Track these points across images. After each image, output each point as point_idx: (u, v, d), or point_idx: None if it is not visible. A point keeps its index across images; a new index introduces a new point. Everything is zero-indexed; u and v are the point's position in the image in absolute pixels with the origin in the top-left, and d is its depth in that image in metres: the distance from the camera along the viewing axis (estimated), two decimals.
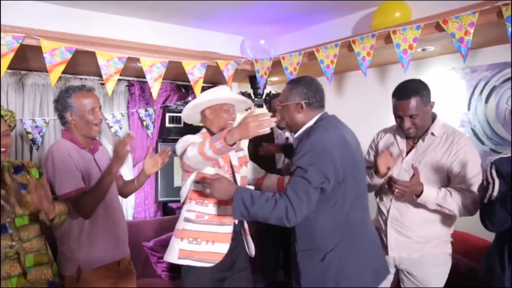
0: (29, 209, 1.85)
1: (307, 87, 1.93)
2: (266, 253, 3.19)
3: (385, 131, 2.36)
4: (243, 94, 3.95)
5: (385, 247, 2.17)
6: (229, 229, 2.14)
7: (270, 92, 4.08)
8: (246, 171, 2.37)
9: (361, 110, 3.48)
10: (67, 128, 2.20)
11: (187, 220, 2.14)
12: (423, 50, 2.94)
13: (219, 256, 2.09)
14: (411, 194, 2.01)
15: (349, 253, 1.83)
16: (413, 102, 2.03)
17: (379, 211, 2.28)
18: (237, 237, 2.22)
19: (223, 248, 2.10)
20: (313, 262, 1.84)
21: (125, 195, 2.54)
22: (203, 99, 2.25)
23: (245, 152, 2.48)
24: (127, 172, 3.84)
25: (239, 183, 2.22)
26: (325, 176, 1.73)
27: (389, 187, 2.03)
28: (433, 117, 2.16)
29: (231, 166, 2.26)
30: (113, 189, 2.29)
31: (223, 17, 3.39)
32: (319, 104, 1.95)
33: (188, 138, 2.16)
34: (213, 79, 3.76)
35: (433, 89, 2.65)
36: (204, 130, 2.32)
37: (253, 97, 3.97)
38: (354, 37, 2.88)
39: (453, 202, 2.01)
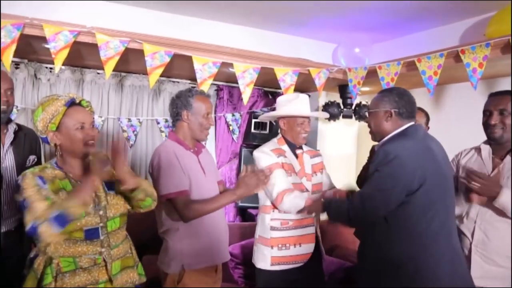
0: (119, 211, 1.79)
1: (399, 96, 1.97)
2: None
3: (468, 150, 2.24)
4: (331, 103, 3.83)
5: None
6: (312, 229, 2.36)
7: (360, 102, 3.90)
8: (320, 178, 2.47)
9: (463, 126, 3.18)
10: (176, 127, 2.23)
11: (273, 228, 2.32)
12: None
13: (307, 256, 2.32)
14: (489, 193, 1.90)
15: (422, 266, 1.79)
16: (507, 98, 2.00)
17: (461, 234, 2.08)
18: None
19: (310, 247, 2.33)
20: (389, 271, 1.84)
21: None
22: (278, 112, 2.45)
23: (321, 159, 2.56)
24: None
25: (310, 190, 2.37)
26: (396, 182, 1.77)
27: (467, 181, 1.93)
28: None
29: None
30: (217, 191, 2.29)
31: (317, 23, 3.30)
32: (409, 115, 1.97)
33: (260, 156, 2.36)
34: (303, 87, 3.68)
35: None
36: (279, 135, 2.47)
37: (342, 107, 3.83)
38: (464, 47, 2.62)
39: None
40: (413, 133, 1.94)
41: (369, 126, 2.06)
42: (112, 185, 1.81)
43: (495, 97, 2.08)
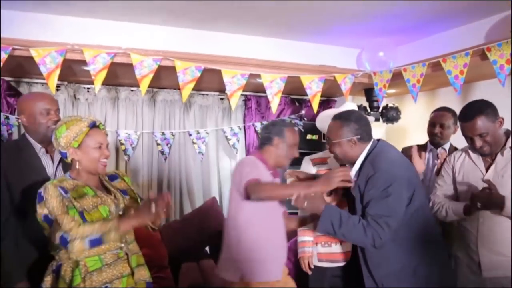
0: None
1: (358, 123, 2.08)
2: None
3: (458, 152, 2.33)
4: (358, 107, 3.87)
5: (477, 268, 2.10)
6: None
7: (387, 105, 3.93)
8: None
9: None
10: (263, 149, 2.33)
11: None
12: None
13: (347, 255, 2.40)
14: (494, 208, 1.97)
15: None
16: (479, 121, 2.06)
17: (465, 230, 2.17)
18: None
19: (348, 246, 2.40)
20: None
21: None
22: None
23: None
24: None
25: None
26: (401, 203, 1.91)
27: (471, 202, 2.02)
28: (508, 134, 2.15)
29: None
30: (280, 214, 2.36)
31: (340, 30, 3.36)
32: (369, 136, 2.11)
33: (303, 162, 2.62)
34: (329, 93, 3.75)
35: None
36: None
37: (369, 110, 3.87)
38: (490, 44, 2.64)
39: None
40: (385, 147, 2.11)
41: (334, 154, 2.15)
42: (125, 191, 2.04)
43: (467, 124, 2.12)
